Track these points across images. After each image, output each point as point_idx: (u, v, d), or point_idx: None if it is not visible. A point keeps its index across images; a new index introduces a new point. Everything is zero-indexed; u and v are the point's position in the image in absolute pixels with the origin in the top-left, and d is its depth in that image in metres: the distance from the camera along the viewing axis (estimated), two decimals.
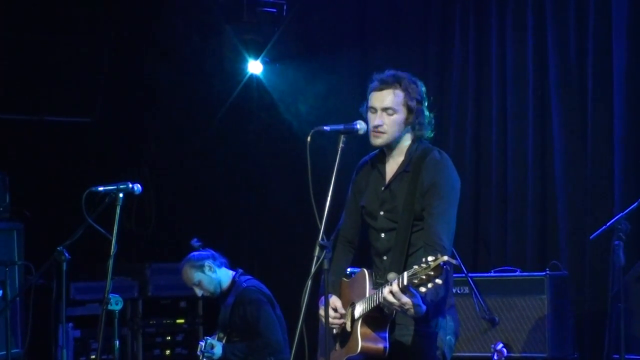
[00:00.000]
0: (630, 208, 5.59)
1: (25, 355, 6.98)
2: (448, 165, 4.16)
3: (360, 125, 4.11)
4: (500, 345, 6.03)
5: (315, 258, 3.89)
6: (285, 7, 8.13)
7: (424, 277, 3.66)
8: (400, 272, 3.80)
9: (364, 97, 4.24)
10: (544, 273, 6.24)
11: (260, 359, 5.97)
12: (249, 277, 6.28)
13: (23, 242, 7.07)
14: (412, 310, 3.82)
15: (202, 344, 6.06)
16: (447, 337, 4.15)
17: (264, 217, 8.77)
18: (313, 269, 3.88)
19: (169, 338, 8.18)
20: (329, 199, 3.98)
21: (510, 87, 7.12)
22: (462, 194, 4.19)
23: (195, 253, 6.22)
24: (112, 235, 4.86)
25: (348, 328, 4.16)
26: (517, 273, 6.41)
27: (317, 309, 4.17)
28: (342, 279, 4.34)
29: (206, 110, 8.70)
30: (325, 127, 4.10)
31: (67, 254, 5.04)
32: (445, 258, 3.65)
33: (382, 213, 4.20)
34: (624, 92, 6.49)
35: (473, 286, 6.30)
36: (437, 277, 3.65)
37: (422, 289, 3.70)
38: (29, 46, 7.73)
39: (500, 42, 7.19)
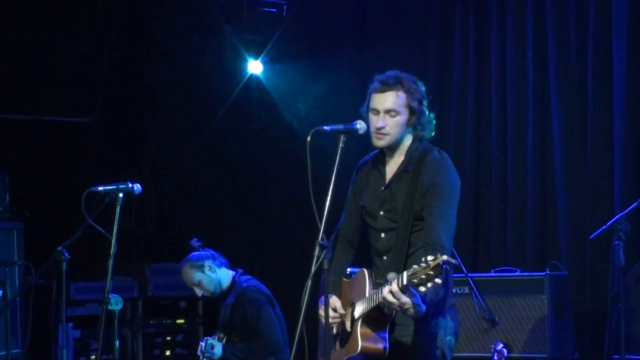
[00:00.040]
0: (630, 208, 5.59)
1: (25, 355, 6.97)
2: (448, 165, 4.16)
3: (360, 125, 4.11)
4: (500, 346, 6.01)
5: (315, 258, 3.88)
6: (285, 7, 8.13)
7: (423, 276, 3.66)
8: (400, 272, 3.80)
9: (364, 97, 4.23)
10: (544, 273, 6.24)
11: (261, 359, 5.97)
12: (249, 277, 6.28)
13: (23, 242, 7.06)
14: (411, 310, 3.82)
15: (202, 344, 6.06)
16: (447, 337, 4.14)
17: (264, 217, 8.76)
18: (313, 269, 3.87)
19: (169, 338, 8.17)
20: (329, 199, 3.97)
21: (510, 87, 7.12)
22: (462, 194, 4.18)
23: (195, 253, 6.22)
24: (112, 235, 4.86)
25: (348, 328, 4.15)
26: (517, 273, 6.41)
27: (317, 309, 4.17)
28: (342, 279, 4.34)
29: (206, 110, 8.69)
30: (325, 127, 4.10)
31: (67, 254, 5.03)
32: (445, 257, 3.64)
33: (382, 213, 4.20)
34: (624, 92, 6.49)
35: (473, 286, 6.30)
36: (437, 277, 3.64)
37: (422, 289, 3.69)
38: (29, 46, 7.72)
39: (500, 42, 7.19)
